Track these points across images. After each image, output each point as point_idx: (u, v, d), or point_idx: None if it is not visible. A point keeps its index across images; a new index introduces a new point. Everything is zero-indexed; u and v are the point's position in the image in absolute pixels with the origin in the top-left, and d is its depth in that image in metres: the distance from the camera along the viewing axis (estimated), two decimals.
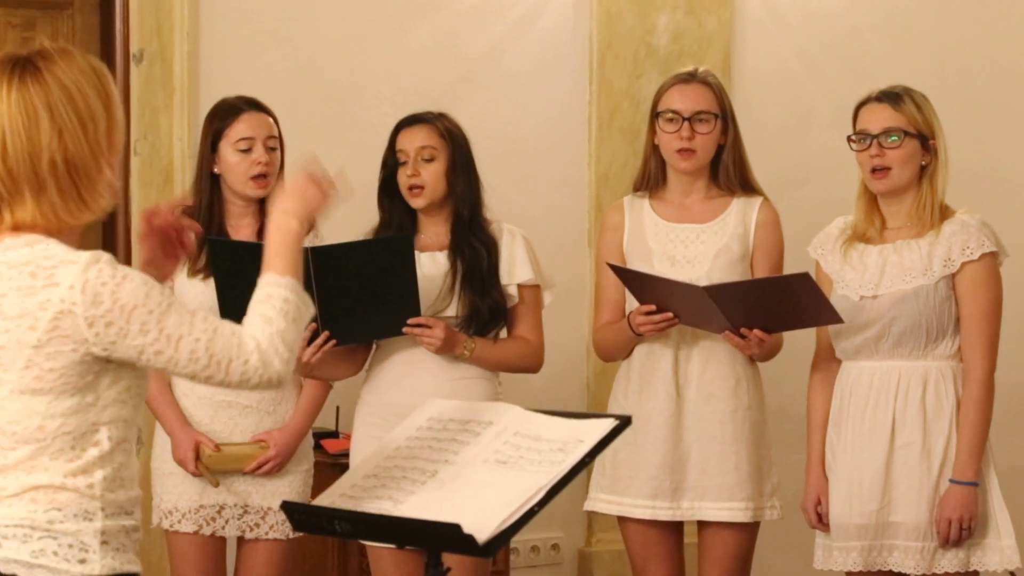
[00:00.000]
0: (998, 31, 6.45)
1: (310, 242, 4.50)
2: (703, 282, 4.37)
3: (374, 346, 4.50)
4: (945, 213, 4.30)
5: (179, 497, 4.54)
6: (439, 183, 4.44)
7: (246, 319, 2.80)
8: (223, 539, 4.59)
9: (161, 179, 5.39)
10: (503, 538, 2.92)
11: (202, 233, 4.50)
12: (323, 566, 5.28)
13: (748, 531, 4.48)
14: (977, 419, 4.21)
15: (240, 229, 4.53)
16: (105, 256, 2.73)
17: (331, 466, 5.09)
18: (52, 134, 2.74)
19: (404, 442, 3.21)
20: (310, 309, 2.87)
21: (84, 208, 2.78)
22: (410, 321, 4.32)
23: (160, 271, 3.03)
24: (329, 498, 3.14)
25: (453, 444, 3.15)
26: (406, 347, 4.41)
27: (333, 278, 4.21)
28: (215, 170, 4.56)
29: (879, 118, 4.30)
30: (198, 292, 4.43)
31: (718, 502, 4.43)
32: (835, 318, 4.23)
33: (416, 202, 4.45)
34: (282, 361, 2.78)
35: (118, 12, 5.40)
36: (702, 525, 4.49)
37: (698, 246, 4.49)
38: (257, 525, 4.55)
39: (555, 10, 5.94)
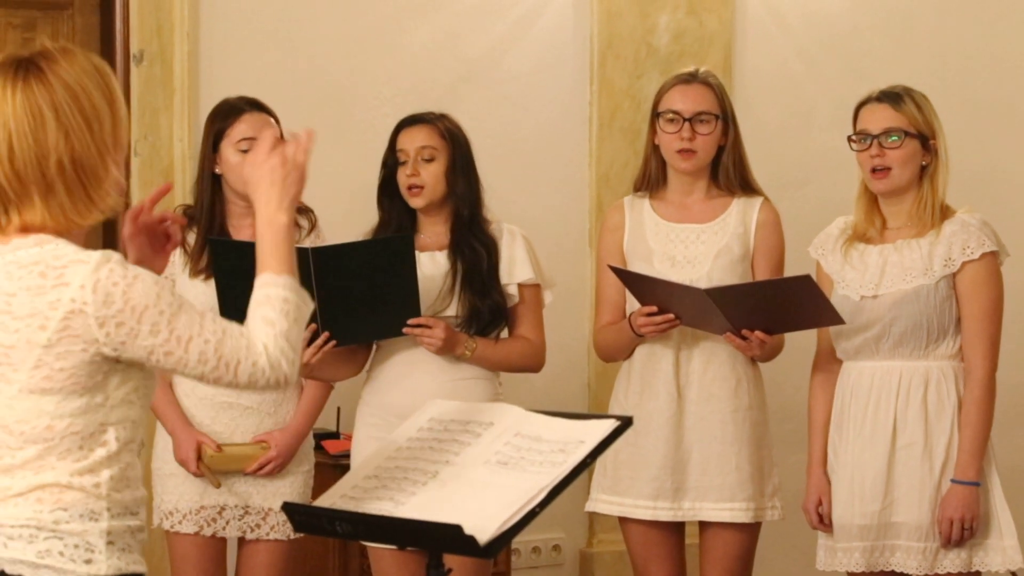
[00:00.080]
0: (998, 31, 6.45)
1: (311, 242, 4.51)
2: (703, 282, 4.37)
3: (374, 347, 4.50)
4: (945, 213, 4.30)
5: (180, 498, 4.54)
6: (439, 183, 4.44)
7: (248, 322, 2.80)
8: (224, 540, 4.59)
9: (161, 179, 5.39)
10: (504, 539, 2.92)
11: (203, 234, 4.55)
12: (324, 567, 5.28)
13: (749, 531, 4.48)
14: (978, 419, 4.21)
15: (241, 229, 4.53)
16: (115, 256, 2.73)
17: (332, 467, 5.09)
18: (58, 135, 2.74)
19: (405, 443, 3.21)
20: (309, 305, 2.86)
21: (92, 208, 2.78)
22: (410, 321, 4.32)
23: (151, 268, 3.02)
24: (330, 499, 3.14)
25: (454, 445, 3.15)
26: (407, 348, 4.40)
27: (333, 278, 4.21)
28: (216, 170, 4.56)
29: (879, 118, 4.30)
30: (199, 293, 4.43)
31: (719, 502, 4.43)
32: (836, 319, 4.23)
33: (415, 202, 4.44)
34: (289, 362, 2.78)
35: (118, 12, 5.40)
36: (703, 526, 4.49)
37: (698, 246, 4.49)
38: (258, 526, 4.55)
39: (555, 10, 5.94)
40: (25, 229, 2.76)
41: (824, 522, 4.35)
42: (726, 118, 4.51)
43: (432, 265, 4.43)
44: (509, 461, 3.05)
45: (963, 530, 4.18)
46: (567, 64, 5.97)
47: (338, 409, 5.25)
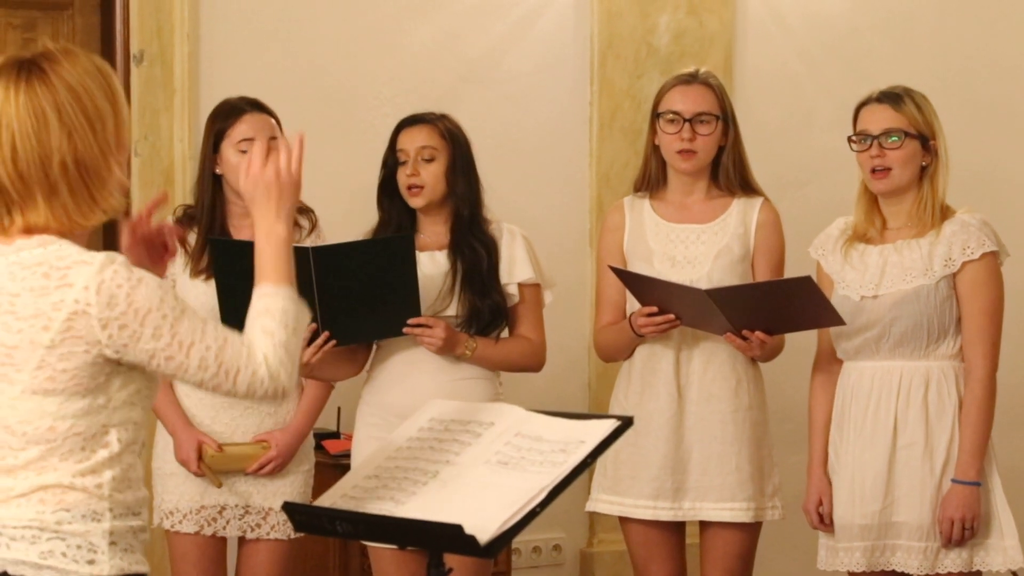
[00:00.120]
0: (998, 31, 6.45)
1: (312, 242, 4.51)
2: (704, 283, 4.38)
3: (375, 346, 4.50)
4: (945, 213, 4.30)
5: (180, 497, 4.54)
6: (439, 183, 4.44)
7: (247, 332, 2.80)
8: (224, 539, 4.59)
9: (162, 180, 5.40)
10: (505, 539, 2.92)
11: (204, 234, 4.55)
12: (324, 567, 5.28)
13: (750, 531, 4.48)
14: (979, 419, 4.21)
15: (242, 229, 4.53)
16: (119, 258, 2.73)
17: (332, 467, 5.09)
18: (62, 136, 2.74)
19: (406, 443, 3.21)
20: (307, 316, 2.87)
21: (96, 208, 2.78)
22: (411, 321, 4.32)
23: None
24: (330, 499, 3.14)
25: (455, 445, 3.15)
26: (407, 347, 4.40)
27: (334, 278, 4.21)
28: (217, 170, 4.56)
29: (879, 119, 4.30)
30: (200, 293, 4.43)
31: (719, 502, 4.43)
32: (837, 320, 4.23)
33: (415, 201, 4.44)
34: (287, 373, 2.79)
35: (118, 13, 5.40)
36: (703, 525, 4.49)
37: (699, 246, 4.49)
38: (258, 525, 4.55)
39: (556, 10, 5.95)
40: (28, 230, 2.76)
41: (825, 522, 4.35)
42: (726, 118, 4.51)
43: (432, 265, 4.43)
44: (510, 461, 3.05)
45: (964, 530, 4.18)
46: (567, 64, 5.98)
47: (338, 409, 5.25)
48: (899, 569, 4.25)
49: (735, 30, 6.13)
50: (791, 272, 4.43)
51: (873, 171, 4.28)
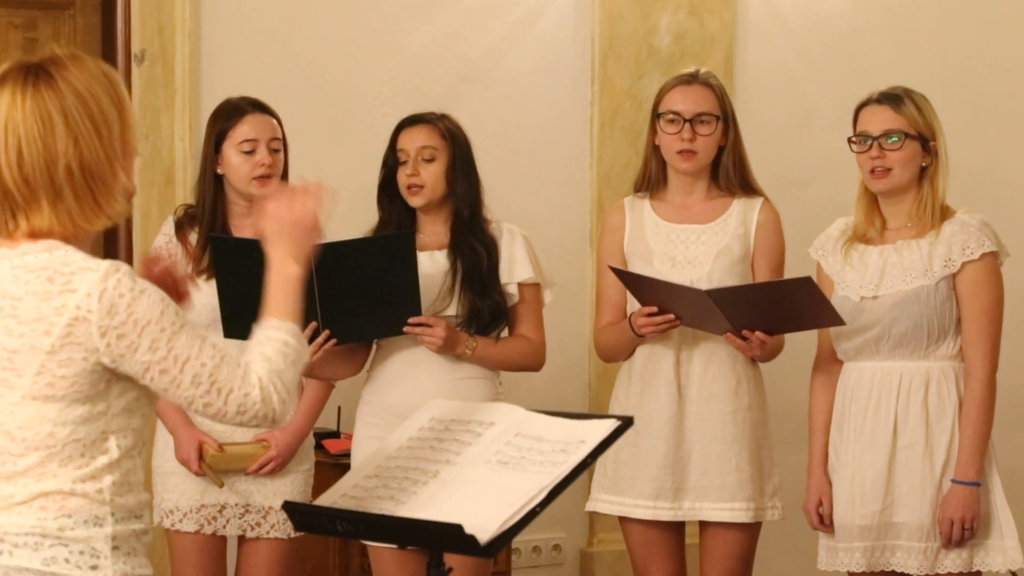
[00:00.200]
0: (999, 32, 6.45)
1: None
2: (704, 283, 4.38)
3: (375, 346, 4.50)
4: (945, 213, 4.30)
5: (180, 496, 4.54)
6: (439, 183, 4.44)
7: (245, 356, 2.82)
8: (224, 538, 4.59)
9: (163, 179, 5.40)
10: (505, 538, 2.93)
11: (205, 234, 4.55)
12: (324, 566, 5.29)
13: (749, 531, 4.48)
14: (979, 419, 4.21)
15: (243, 229, 4.53)
16: (124, 267, 2.74)
17: (332, 466, 5.10)
18: (68, 141, 2.74)
19: (406, 442, 3.22)
20: (308, 354, 2.91)
21: (100, 213, 2.78)
22: (411, 320, 4.32)
23: None
24: (330, 498, 3.14)
25: (455, 444, 3.15)
26: (407, 347, 4.41)
27: (334, 276, 4.21)
28: (218, 171, 4.56)
29: (879, 120, 4.30)
30: (201, 293, 4.42)
31: (719, 502, 4.43)
32: (837, 320, 4.23)
33: (414, 201, 4.45)
34: (280, 400, 2.80)
35: (120, 12, 5.40)
36: (703, 525, 4.49)
37: (699, 247, 4.49)
38: (258, 524, 4.55)
39: (557, 10, 5.95)
40: (33, 234, 2.76)
41: (824, 523, 4.35)
42: (726, 119, 4.52)
43: (432, 264, 4.43)
44: (510, 461, 3.05)
45: (964, 530, 4.18)
46: (568, 64, 5.98)
47: (339, 408, 5.25)
48: (899, 569, 4.25)
49: (736, 31, 6.13)
50: (791, 272, 4.43)
51: (873, 171, 4.29)
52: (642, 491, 4.45)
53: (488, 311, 4.42)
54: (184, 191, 5.24)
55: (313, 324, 4.21)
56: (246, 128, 4.53)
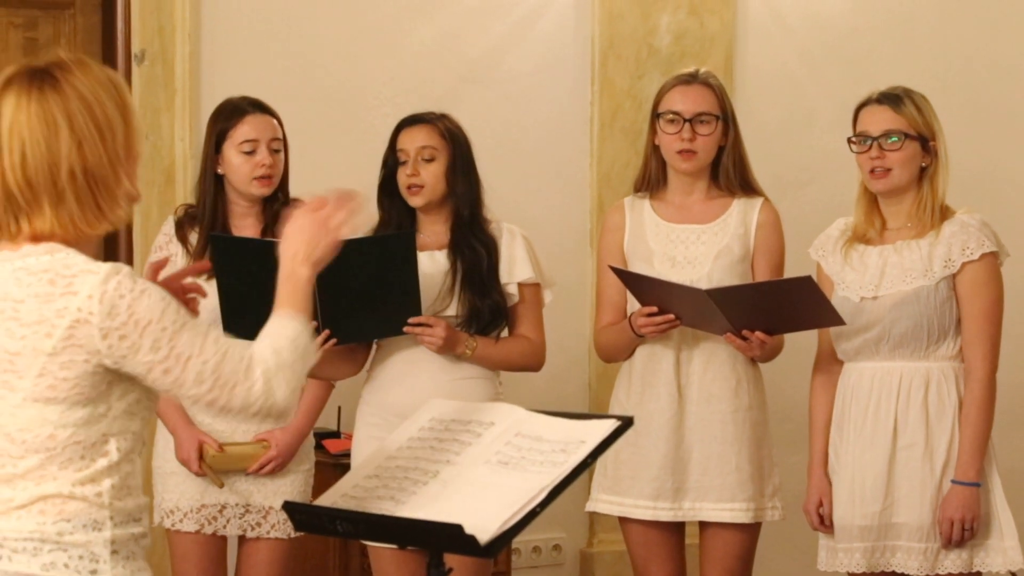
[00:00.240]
0: (999, 32, 6.45)
1: None
2: (704, 283, 4.38)
3: (375, 345, 4.50)
4: (945, 214, 4.30)
5: (180, 496, 4.54)
6: (438, 183, 4.44)
7: (254, 344, 2.81)
8: (224, 538, 4.59)
9: (163, 179, 5.40)
10: (505, 539, 2.93)
11: (205, 234, 4.55)
12: (324, 566, 5.28)
13: (749, 532, 4.48)
14: (979, 419, 4.21)
15: (244, 229, 4.54)
16: (125, 268, 2.74)
17: (332, 466, 5.10)
18: (71, 144, 2.74)
19: (406, 442, 3.22)
20: (316, 354, 2.89)
21: (102, 218, 2.79)
22: (411, 320, 4.32)
23: None
24: (331, 498, 3.14)
25: (455, 445, 3.15)
26: (407, 347, 4.41)
27: (334, 275, 4.16)
28: (219, 171, 4.56)
29: (879, 120, 4.30)
30: None
31: (719, 503, 4.43)
32: (837, 320, 4.23)
33: (414, 200, 4.45)
34: (284, 393, 2.80)
35: (120, 12, 5.40)
36: (703, 526, 4.49)
37: (699, 247, 4.49)
38: (258, 524, 4.55)
39: (557, 10, 5.95)
40: (35, 237, 2.76)
41: (825, 523, 4.35)
42: (726, 119, 4.52)
43: (432, 264, 4.43)
44: (510, 461, 3.05)
45: (964, 531, 4.18)
46: (568, 64, 5.98)
47: (339, 408, 5.25)
48: (899, 570, 4.25)
49: (736, 31, 6.13)
50: (791, 272, 4.43)
51: (872, 171, 4.29)
52: (642, 491, 4.45)
53: (488, 311, 4.42)
54: (184, 191, 5.24)
55: (313, 324, 4.20)
56: (246, 128, 4.53)
